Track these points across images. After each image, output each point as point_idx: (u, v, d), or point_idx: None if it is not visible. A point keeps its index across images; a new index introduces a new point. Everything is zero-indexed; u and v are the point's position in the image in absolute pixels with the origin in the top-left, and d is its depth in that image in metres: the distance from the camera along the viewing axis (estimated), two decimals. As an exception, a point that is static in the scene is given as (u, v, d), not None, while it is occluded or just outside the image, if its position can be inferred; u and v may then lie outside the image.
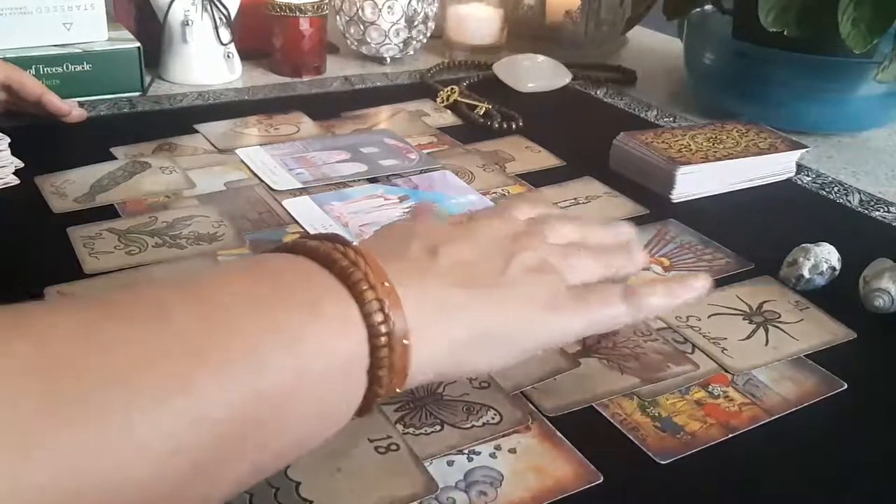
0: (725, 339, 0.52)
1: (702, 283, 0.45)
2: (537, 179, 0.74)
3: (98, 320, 0.29)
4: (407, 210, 0.64)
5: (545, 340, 0.40)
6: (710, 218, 0.68)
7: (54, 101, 0.79)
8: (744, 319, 0.55)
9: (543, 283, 0.40)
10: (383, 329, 0.33)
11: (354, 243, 0.36)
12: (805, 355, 0.51)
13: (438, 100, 0.93)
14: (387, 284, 0.34)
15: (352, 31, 1.06)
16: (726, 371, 0.49)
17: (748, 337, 0.53)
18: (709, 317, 0.55)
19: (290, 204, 0.67)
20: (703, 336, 0.52)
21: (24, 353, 0.26)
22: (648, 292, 0.42)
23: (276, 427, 0.31)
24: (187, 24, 0.93)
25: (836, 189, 0.76)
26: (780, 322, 0.55)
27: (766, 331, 0.53)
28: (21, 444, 0.24)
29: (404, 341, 0.34)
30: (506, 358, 0.39)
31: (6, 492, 0.24)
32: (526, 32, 1.19)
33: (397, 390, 0.35)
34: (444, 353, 0.37)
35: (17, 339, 0.27)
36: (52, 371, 0.26)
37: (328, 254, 0.34)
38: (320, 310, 0.33)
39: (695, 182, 0.72)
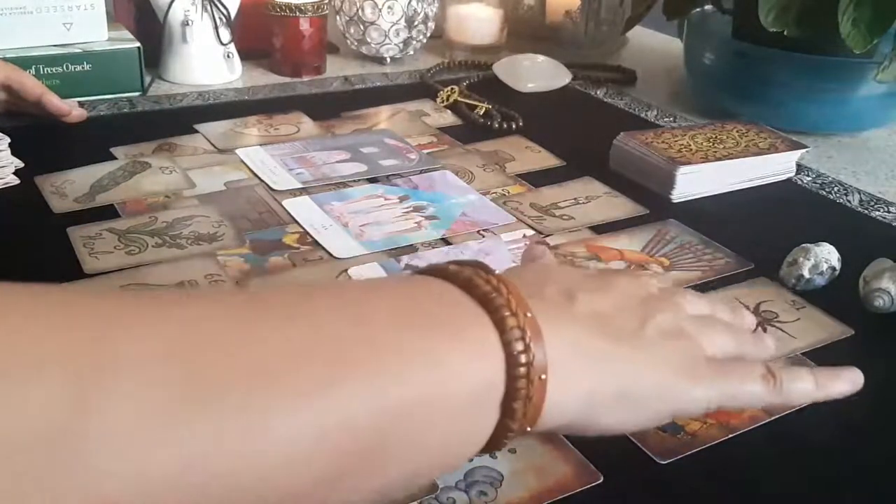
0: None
1: (854, 377, 0.41)
2: (537, 179, 0.74)
3: (245, 312, 0.28)
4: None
5: (679, 408, 0.38)
6: (710, 218, 0.68)
7: (54, 101, 0.79)
8: None
9: (680, 349, 0.38)
10: (523, 359, 0.32)
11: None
12: (804, 353, 0.51)
13: (438, 100, 0.93)
14: (529, 315, 0.33)
15: (352, 31, 1.06)
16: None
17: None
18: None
19: (290, 204, 0.67)
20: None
21: (168, 338, 0.25)
22: (793, 377, 0.39)
23: (408, 445, 0.30)
24: (187, 24, 0.93)
25: (836, 189, 0.76)
26: (778, 321, 0.55)
27: (765, 330, 0.53)
28: (153, 432, 0.23)
29: (542, 376, 0.32)
30: (637, 420, 0.37)
31: (131, 480, 0.23)
32: (526, 32, 1.19)
33: (528, 429, 0.34)
34: (580, 400, 0.35)
35: (162, 323, 0.26)
36: (193, 359, 0.25)
37: (470, 279, 0.34)
38: (462, 333, 0.32)
39: (695, 182, 0.72)
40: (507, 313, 0.32)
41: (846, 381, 0.41)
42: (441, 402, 0.30)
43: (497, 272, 0.35)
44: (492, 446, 0.33)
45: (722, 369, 0.38)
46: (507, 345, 0.32)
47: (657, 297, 0.40)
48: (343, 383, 0.28)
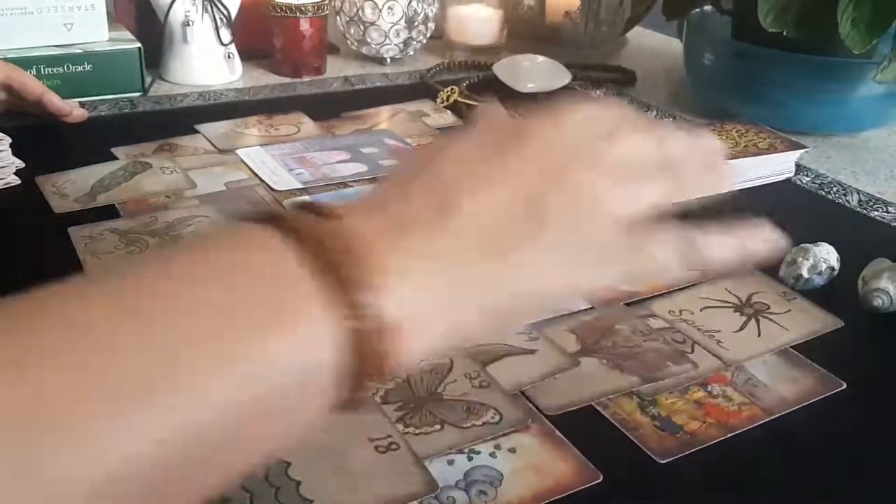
0: (719, 331, 0.53)
1: (769, 234, 0.40)
2: (537, 179, 0.74)
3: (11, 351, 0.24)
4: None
5: (565, 296, 0.35)
6: (710, 218, 0.68)
7: (55, 101, 0.79)
8: (735, 311, 0.55)
9: (581, 243, 0.33)
10: (364, 324, 0.28)
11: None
12: (797, 346, 0.52)
13: (438, 100, 0.93)
14: (375, 280, 0.28)
15: (352, 31, 1.06)
16: (724, 363, 0.50)
17: (741, 328, 0.53)
18: (701, 310, 0.55)
19: (290, 204, 0.67)
20: (698, 329, 0.53)
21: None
22: (709, 239, 0.36)
23: (249, 440, 0.27)
24: (188, 25, 0.93)
25: (835, 189, 0.76)
26: (770, 313, 0.55)
27: (758, 322, 0.54)
28: None
29: (390, 334, 0.29)
30: (515, 326, 0.36)
31: None
32: (526, 32, 1.19)
33: (385, 380, 0.31)
34: (440, 339, 0.32)
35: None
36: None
37: (305, 231, 0.29)
38: (289, 315, 0.27)
39: (694, 182, 0.72)
40: (344, 273, 0.28)
41: (764, 238, 0.39)
42: (271, 396, 0.27)
43: (350, 204, 0.32)
44: (350, 407, 0.30)
45: (628, 246, 0.34)
46: (347, 314, 0.28)
47: (574, 161, 0.34)
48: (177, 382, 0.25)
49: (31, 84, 0.79)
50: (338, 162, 0.75)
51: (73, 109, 0.80)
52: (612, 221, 0.33)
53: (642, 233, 0.34)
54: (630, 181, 0.34)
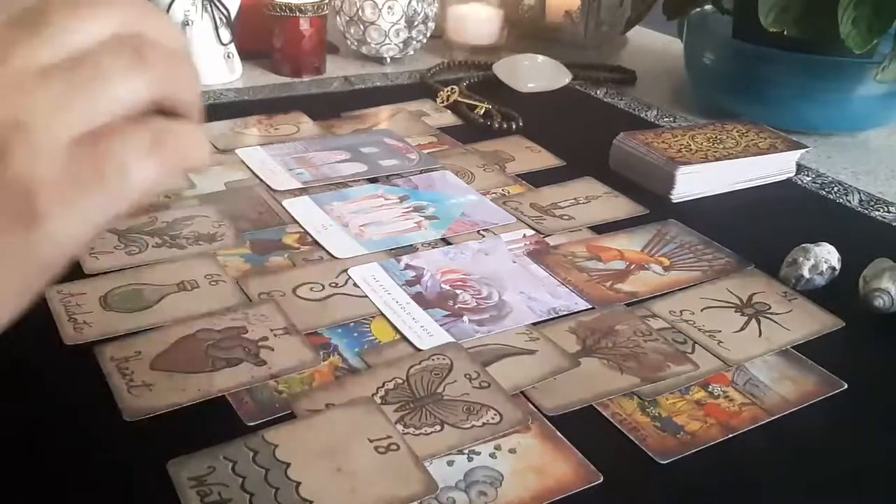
0: (720, 331, 0.53)
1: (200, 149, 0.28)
2: (537, 179, 0.74)
3: None
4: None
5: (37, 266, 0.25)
6: (710, 218, 0.68)
7: None
8: (735, 312, 0.55)
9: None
10: None
11: None
12: (798, 346, 0.52)
13: (438, 100, 0.93)
14: None
15: (352, 31, 1.06)
16: (725, 364, 0.49)
17: (742, 329, 0.53)
18: (702, 310, 0.55)
19: (290, 204, 0.67)
20: (699, 330, 0.53)
21: None
22: (182, 130, 0.27)
23: None
24: (187, 24, 0.93)
25: (835, 189, 0.76)
26: (771, 313, 0.55)
27: (759, 322, 0.54)
28: None
29: None
30: None
31: None
32: (526, 32, 1.19)
33: None
34: None
35: None
36: None
37: None
38: None
39: (695, 182, 0.72)
40: None
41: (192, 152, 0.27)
42: None
43: None
44: None
45: (84, 161, 0.24)
46: None
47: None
48: None
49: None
50: (338, 162, 0.75)
51: None
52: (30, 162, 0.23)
53: (95, 147, 0.25)
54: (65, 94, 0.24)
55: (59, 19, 0.25)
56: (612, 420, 0.45)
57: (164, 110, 0.27)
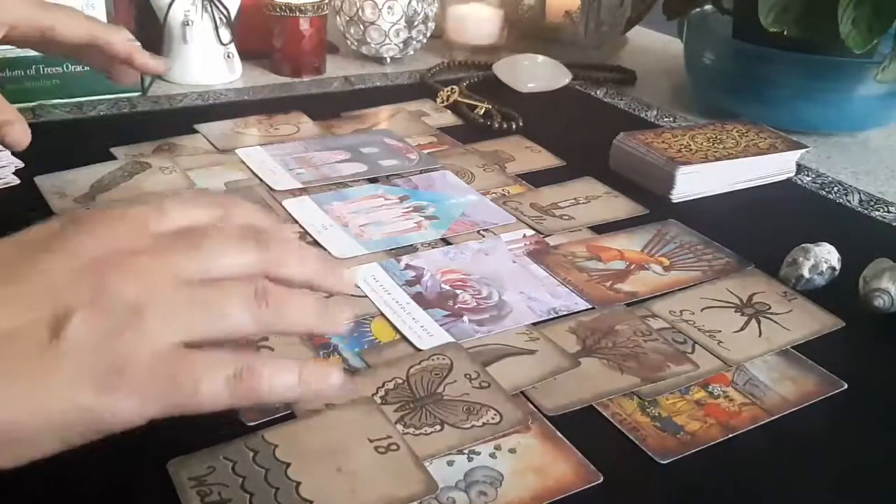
0: (720, 331, 0.53)
1: (336, 378, 0.33)
2: (537, 179, 0.74)
3: None
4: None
5: (102, 428, 0.29)
6: (710, 218, 0.68)
7: (148, 62, 0.61)
8: (735, 311, 0.55)
9: (104, 351, 0.28)
10: None
11: None
12: (798, 346, 0.52)
13: (438, 100, 0.93)
14: None
15: (352, 31, 1.06)
16: (725, 364, 0.49)
17: (742, 329, 0.53)
18: (702, 310, 0.55)
19: (290, 204, 0.67)
20: (699, 329, 0.53)
21: None
22: (271, 372, 0.31)
23: None
24: (187, 25, 0.93)
25: (835, 189, 0.76)
26: (771, 313, 0.55)
27: (759, 322, 0.54)
28: None
29: None
30: (43, 453, 0.29)
31: None
32: (526, 32, 1.19)
33: None
34: None
35: None
36: None
37: None
38: None
39: (695, 182, 0.72)
40: None
41: (329, 382, 0.32)
42: None
43: None
44: None
45: (172, 365, 0.29)
46: None
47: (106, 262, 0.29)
48: None
49: (117, 42, 0.59)
50: (338, 162, 0.75)
51: (162, 65, 0.63)
52: (140, 335, 0.28)
53: (186, 357, 0.29)
54: (183, 293, 0.29)
55: (217, 245, 0.31)
56: (612, 420, 0.45)
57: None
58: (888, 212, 0.72)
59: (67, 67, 0.87)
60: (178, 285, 0.30)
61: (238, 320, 0.30)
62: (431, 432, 0.43)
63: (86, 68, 0.87)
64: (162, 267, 0.30)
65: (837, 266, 0.58)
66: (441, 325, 0.52)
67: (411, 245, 0.62)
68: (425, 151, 0.79)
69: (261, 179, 0.71)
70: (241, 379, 0.30)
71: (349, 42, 1.08)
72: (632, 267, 0.60)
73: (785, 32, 0.79)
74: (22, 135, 0.57)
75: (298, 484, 0.39)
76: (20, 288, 0.28)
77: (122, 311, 0.28)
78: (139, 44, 0.61)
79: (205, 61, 0.95)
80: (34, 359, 0.27)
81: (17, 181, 0.68)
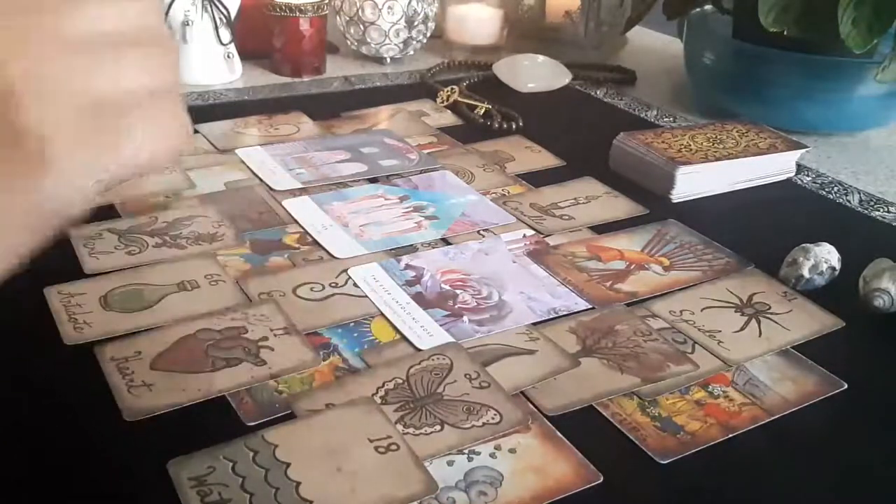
0: (720, 331, 0.53)
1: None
2: (537, 179, 0.74)
3: None
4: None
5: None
6: (710, 218, 0.68)
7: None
8: (735, 312, 0.55)
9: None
10: None
11: None
12: (798, 346, 0.52)
13: (438, 100, 0.93)
14: None
15: (352, 31, 1.06)
16: (725, 364, 0.49)
17: (742, 329, 0.53)
18: (702, 310, 0.55)
19: (290, 204, 0.67)
20: (699, 329, 0.53)
21: None
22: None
23: None
24: (187, 24, 0.93)
25: (835, 189, 0.76)
26: (771, 313, 0.55)
27: (759, 322, 0.54)
28: None
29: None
30: None
31: None
32: (526, 32, 1.19)
33: None
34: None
35: None
36: None
37: None
38: None
39: (695, 182, 0.72)
40: None
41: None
42: None
43: None
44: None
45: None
46: None
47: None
48: None
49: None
50: (338, 162, 0.75)
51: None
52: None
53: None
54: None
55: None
56: (612, 420, 0.45)
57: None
58: (888, 212, 0.72)
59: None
60: (80, 47, 0.28)
61: (137, 69, 0.29)
62: (431, 432, 0.43)
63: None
64: None
65: (837, 266, 0.58)
66: (441, 325, 0.52)
67: (411, 245, 0.62)
68: (425, 151, 0.79)
69: (261, 179, 0.71)
70: (161, 118, 0.31)
71: (349, 42, 1.08)
72: (632, 267, 0.60)
73: (785, 32, 0.79)
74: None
75: (298, 484, 0.39)
76: None
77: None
78: None
79: (205, 61, 0.95)
80: None
81: (17, 181, 0.68)
